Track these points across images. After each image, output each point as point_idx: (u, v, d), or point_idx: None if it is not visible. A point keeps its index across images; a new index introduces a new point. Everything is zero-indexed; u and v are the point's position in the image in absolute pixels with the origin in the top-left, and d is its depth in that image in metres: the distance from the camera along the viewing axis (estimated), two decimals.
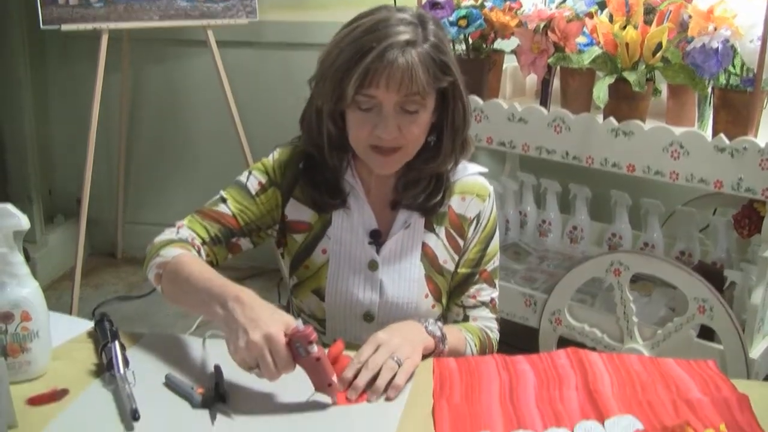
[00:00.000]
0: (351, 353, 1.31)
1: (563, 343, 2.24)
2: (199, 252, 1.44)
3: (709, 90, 2.11)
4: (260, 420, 1.19)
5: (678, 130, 2.13)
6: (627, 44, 2.09)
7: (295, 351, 1.19)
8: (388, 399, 1.24)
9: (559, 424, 1.16)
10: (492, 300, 1.59)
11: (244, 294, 1.24)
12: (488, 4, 2.41)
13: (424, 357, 1.36)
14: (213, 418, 1.18)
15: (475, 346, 1.52)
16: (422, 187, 1.49)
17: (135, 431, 1.14)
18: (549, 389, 1.27)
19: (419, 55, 1.33)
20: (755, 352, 2.12)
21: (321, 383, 1.22)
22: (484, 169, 1.57)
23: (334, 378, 1.22)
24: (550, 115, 2.33)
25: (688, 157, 2.10)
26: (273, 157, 1.53)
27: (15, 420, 1.14)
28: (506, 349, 1.45)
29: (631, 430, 1.10)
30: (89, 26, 2.83)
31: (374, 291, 1.50)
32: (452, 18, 2.33)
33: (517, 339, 2.33)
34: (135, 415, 1.15)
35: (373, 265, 1.50)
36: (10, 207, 1.22)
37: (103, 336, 1.36)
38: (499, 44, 2.51)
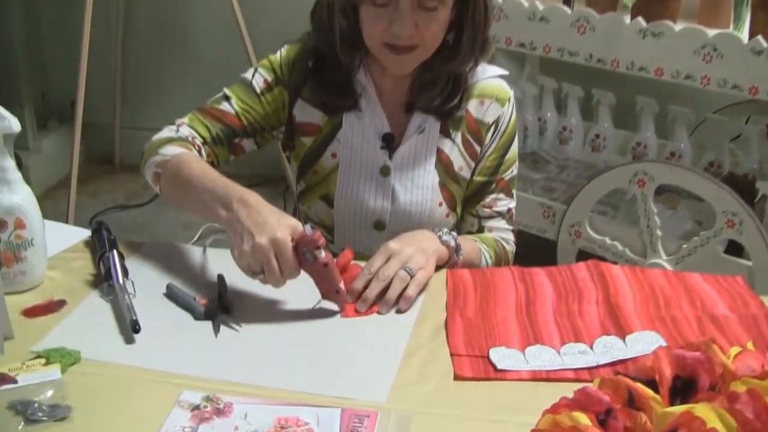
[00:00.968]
0: (361, 263, 1.31)
1: (583, 256, 2.24)
2: (199, 151, 1.43)
3: None
4: (266, 332, 1.20)
5: (711, 32, 2.08)
6: None
7: (302, 256, 1.20)
8: (399, 311, 1.24)
9: (577, 340, 1.16)
10: (509, 210, 1.58)
11: (250, 196, 1.23)
12: None
13: (438, 268, 1.36)
14: (216, 329, 1.19)
15: (490, 258, 1.52)
16: (439, 89, 1.47)
17: (135, 343, 1.15)
18: (568, 303, 1.27)
19: None
20: None
21: (328, 290, 1.23)
22: (505, 72, 1.54)
23: (342, 285, 1.23)
24: (573, 14, 2.27)
25: (721, 60, 2.06)
26: (280, 54, 1.50)
27: (11, 331, 1.15)
28: (523, 263, 1.45)
29: (654, 346, 1.10)
30: None
31: (386, 198, 1.49)
32: None
33: (534, 252, 2.33)
34: (135, 327, 1.15)
35: (385, 171, 1.49)
36: None
37: (100, 245, 1.36)
38: None
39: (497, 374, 1.09)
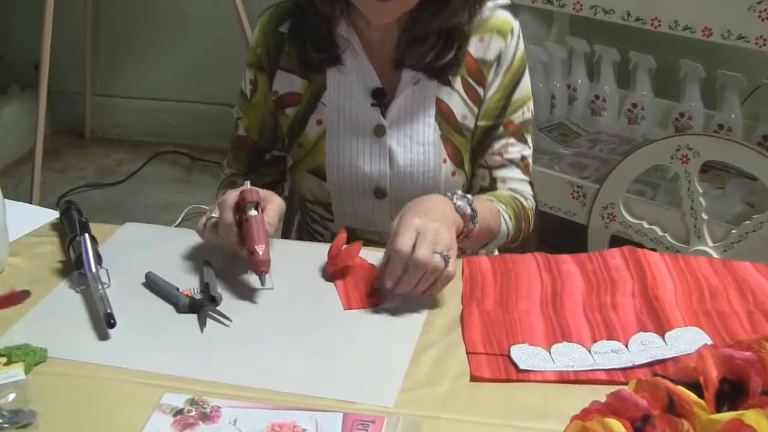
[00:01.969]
0: (370, 253, 1.31)
1: (616, 242, 2.24)
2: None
3: None
4: (258, 326, 1.20)
5: None
6: None
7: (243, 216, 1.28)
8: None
9: (610, 337, 1.16)
10: (523, 158, 1.57)
11: None
12: None
13: None
14: (202, 324, 1.20)
15: (510, 219, 1.50)
16: (430, 45, 1.47)
17: (110, 340, 1.16)
18: (600, 295, 1.27)
19: None
20: None
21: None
22: (506, 0, 1.54)
23: (260, 248, 1.25)
24: None
25: None
26: (255, 34, 1.55)
27: None
28: (549, 249, 1.44)
29: (697, 345, 1.10)
30: None
31: (383, 160, 1.50)
32: None
33: (561, 237, 2.33)
34: (110, 321, 1.16)
35: (379, 131, 1.50)
36: None
37: (70, 228, 1.36)
38: None
39: (519, 375, 1.09)
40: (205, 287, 1.26)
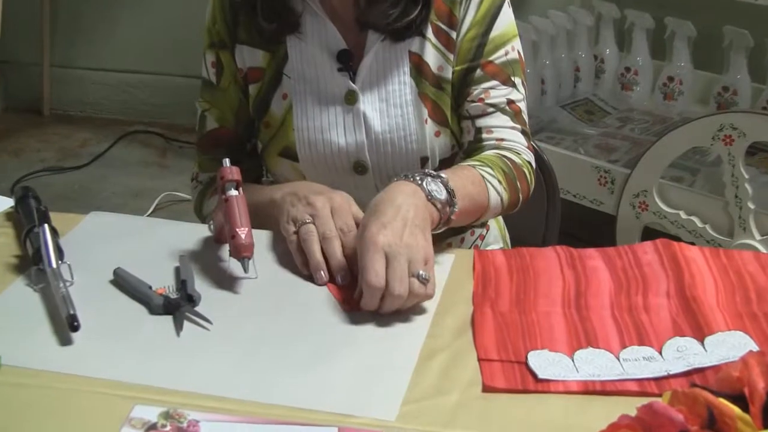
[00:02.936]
0: None
1: (649, 235, 2.24)
2: None
3: None
4: (243, 329, 1.20)
5: None
6: None
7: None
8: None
9: (642, 342, 1.17)
10: (511, 103, 1.56)
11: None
12: None
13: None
14: (179, 327, 1.20)
15: (500, 183, 1.47)
16: (390, 2, 1.48)
17: (73, 345, 1.16)
18: (630, 295, 1.28)
19: None
20: None
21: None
22: None
23: (242, 231, 1.26)
24: None
25: None
26: (208, 10, 1.57)
27: None
28: (572, 242, 1.45)
29: (741, 351, 1.11)
30: None
31: (358, 130, 1.52)
32: None
33: (586, 229, 2.34)
34: (73, 324, 1.16)
35: (350, 97, 1.52)
36: None
37: (27, 218, 1.37)
38: None
39: (538, 385, 1.10)
40: (181, 285, 1.27)
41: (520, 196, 1.52)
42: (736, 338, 1.15)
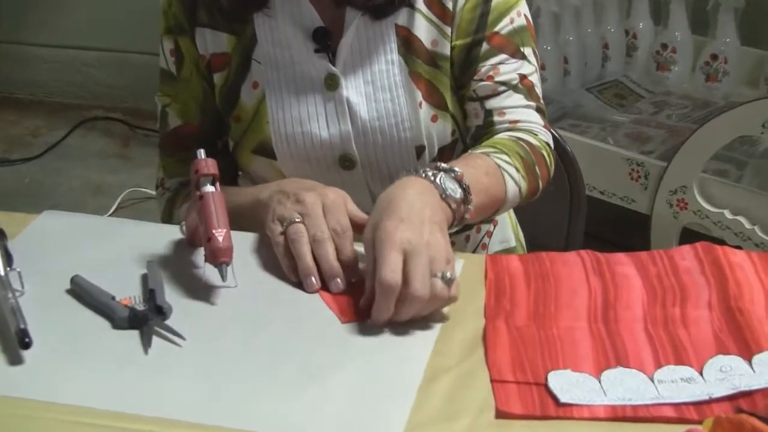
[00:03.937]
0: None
1: (688, 238, 2.25)
2: None
3: None
4: (221, 346, 1.21)
5: None
6: None
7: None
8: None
9: (680, 361, 1.17)
10: (523, 78, 1.57)
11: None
12: None
13: None
14: (147, 343, 1.20)
15: (519, 171, 1.49)
16: None
17: (25, 365, 1.16)
18: (666, 306, 1.28)
19: None
20: None
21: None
22: None
23: (219, 233, 1.26)
24: None
25: None
26: None
27: None
28: (599, 246, 1.45)
29: None
30: None
31: (342, 119, 1.53)
32: None
33: (615, 230, 2.34)
34: (24, 340, 1.16)
35: (331, 82, 1.53)
36: None
37: None
38: None
39: (559, 410, 1.10)
40: (149, 295, 1.27)
41: (540, 182, 1.54)
42: None
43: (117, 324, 1.24)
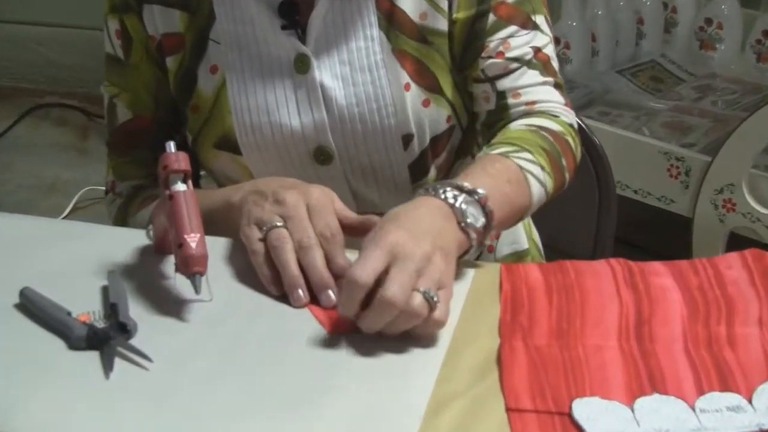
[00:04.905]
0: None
1: (737, 244, 2.25)
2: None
3: None
4: (193, 367, 1.21)
5: None
6: None
7: None
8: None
9: (725, 387, 1.17)
10: (538, 51, 1.58)
11: None
12: None
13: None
14: (108, 366, 1.20)
15: (544, 169, 1.50)
16: None
17: None
18: (709, 324, 1.28)
19: None
20: None
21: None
22: None
23: (192, 238, 1.26)
24: None
25: None
26: None
27: None
28: (632, 254, 1.46)
29: None
30: None
31: (315, 106, 1.54)
32: None
33: (650, 235, 2.35)
34: None
35: (301, 64, 1.53)
36: None
37: None
38: None
39: None
40: (111, 310, 1.27)
41: (567, 175, 1.55)
42: None
43: (73, 344, 1.24)
